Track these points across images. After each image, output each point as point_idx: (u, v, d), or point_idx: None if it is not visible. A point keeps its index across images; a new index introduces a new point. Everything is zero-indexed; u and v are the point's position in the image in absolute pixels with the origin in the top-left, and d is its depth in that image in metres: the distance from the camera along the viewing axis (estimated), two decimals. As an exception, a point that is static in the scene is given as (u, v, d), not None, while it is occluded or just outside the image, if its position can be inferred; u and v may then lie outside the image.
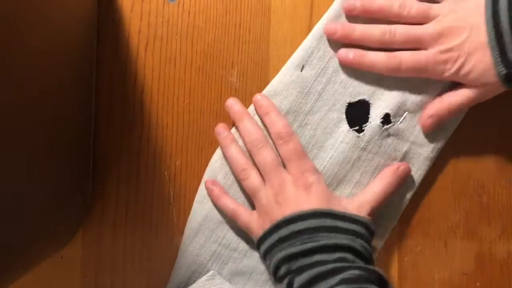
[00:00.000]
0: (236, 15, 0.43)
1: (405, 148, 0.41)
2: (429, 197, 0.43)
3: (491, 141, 0.42)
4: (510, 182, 0.42)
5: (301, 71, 0.41)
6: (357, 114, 0.41)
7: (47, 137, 0.34)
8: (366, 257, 0.37)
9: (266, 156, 0.39)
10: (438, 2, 0.39)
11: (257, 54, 0.43)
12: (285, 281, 0.36)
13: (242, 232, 0.41)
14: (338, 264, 0.34)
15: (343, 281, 0.34)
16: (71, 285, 0.43)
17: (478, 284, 0.43)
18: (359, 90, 0.41)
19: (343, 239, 0.36)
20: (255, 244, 0.40)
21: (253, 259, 0.41)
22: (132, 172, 0.43)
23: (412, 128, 0.41)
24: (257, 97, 0.41)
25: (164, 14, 0.43)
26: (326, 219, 0.37)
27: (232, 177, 0.41)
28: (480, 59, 0.37)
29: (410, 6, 0.39)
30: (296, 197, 0.38)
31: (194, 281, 0.41)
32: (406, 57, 0.39)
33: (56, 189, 0.36)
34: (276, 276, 0.37)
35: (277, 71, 0.42)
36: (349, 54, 0.40)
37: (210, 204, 0.41)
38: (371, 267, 0.36)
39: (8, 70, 0.27)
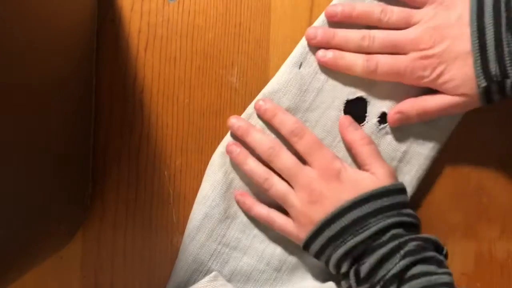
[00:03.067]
0: (236, 15, 0.43)
1: (404, 147, 0.41)
2: (429, 197, 0.43)
3: (491, 141, 0.42)
4: (510, 182, 0.42)
5: (299, 68, 0.41)
6: (355, 111, 0.41)
7: (47, 137, 0.34)
8: (415, 223, 0.38)
9: (285, 160, 0.39)
10: (419, 8, 0.39)
11: (257, 54, 0.43)
12: (351, 274, 0.37)
13: (242, 230, 0.41)
14: (396, 242, 0.35)
15: (405, 255, 0.35)
16: (71, 285, 0.43)
17: (478, 284, 0.43)
18: (357, 87, 0.41)
19: (391, 217, 0.36)
20: (264, 244, 0.41)
21: (253, 257, 0.42)
22: (132, 172, 0.43)
23: (410, 127, 0.41)
24: (260, 102, 0.41)
25: (164, 14, 0.43)
26: (369, 203, 0.37)
27: (231, 175, 0.41)
28: (460, 69, 0.37)
29: (391, 12, 0.39)
30: (331, 191, 0.38)
31: (194, 280, 0.41)
32: (384, 61, 0.39)
33: (56, 189, 0.36)
34: (340, 273, 0.38)
35: (277, 71, 0.42)
36: (327, 55, 0.40)
37: (210, 203, 0.41)
38: (425, 235, 0.37)
39: (8, 70, 0.27)
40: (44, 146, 0.33)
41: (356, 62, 0.39)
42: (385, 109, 0.41)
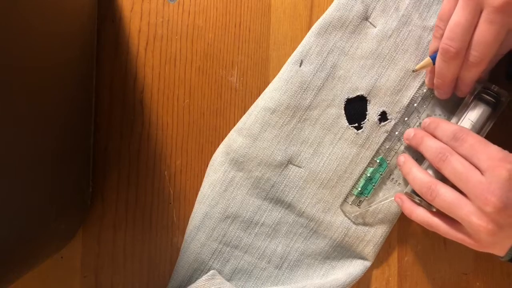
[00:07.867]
0: (236, 15, 0.43)
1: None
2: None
3: (491, 140, 0.42)
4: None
5: (300, 66, 0.41)
6: (356, 110, 0.41)
7: (47, 137, 0.34)
8: None
9: (455, 163, 0.35)
10: None
11: (257, 54, 0.43)
12: None
13: (243, 229, 0.41)
14: None
15: None
16: (71, 285, 0.43)
17: (478, 284, 0.43)
18: (357, 86, 0.41)
19: None
20: (265, 242, 0.41)
21: (254, 255, 0.42)
22: (132, 172, 0.43)
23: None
24: (426, 120, 0.39)
25: (164, 14, 0.43)
26: None
27: (231, 174, 0.41)
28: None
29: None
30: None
31: (195, 279, 0.41)
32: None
33: (56, 189, 0.36)
34: None
35: (277, 71, 0.42)
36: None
37: (209, 202, 0.41)
38: None
39: (8, 70, 0.27)
40: (44, 146, 0.33)
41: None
42: (385, 108, 0.41)
